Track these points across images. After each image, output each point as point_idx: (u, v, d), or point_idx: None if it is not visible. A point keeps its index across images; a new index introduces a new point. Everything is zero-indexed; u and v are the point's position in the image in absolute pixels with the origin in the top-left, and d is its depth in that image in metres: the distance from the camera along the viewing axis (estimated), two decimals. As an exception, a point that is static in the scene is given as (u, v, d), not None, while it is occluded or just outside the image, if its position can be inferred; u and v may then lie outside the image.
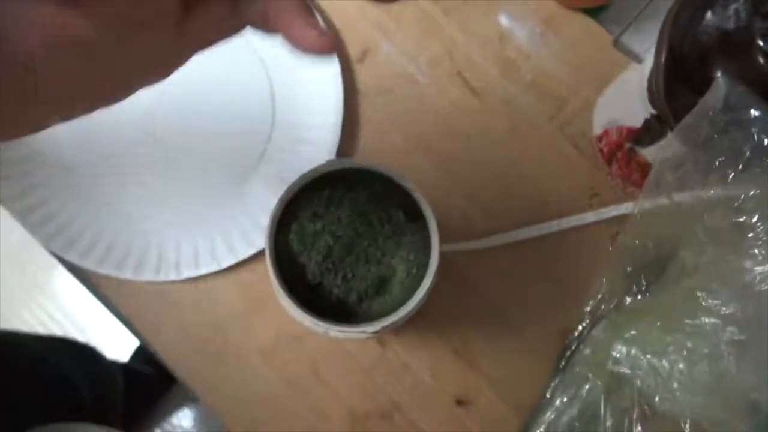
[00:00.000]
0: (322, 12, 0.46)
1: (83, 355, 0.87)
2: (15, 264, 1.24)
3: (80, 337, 1.25)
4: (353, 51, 0.47)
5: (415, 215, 0.35)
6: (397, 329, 0.42)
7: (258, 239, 0.44)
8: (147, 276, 0.44)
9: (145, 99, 0.46)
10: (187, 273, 0.44)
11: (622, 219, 0.43)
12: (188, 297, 0.45)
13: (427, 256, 0.33)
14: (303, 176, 0.33)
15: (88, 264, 0.44)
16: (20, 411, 0.61)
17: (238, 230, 0.44)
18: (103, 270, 0.44)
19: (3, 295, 1.24)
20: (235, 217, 0.45)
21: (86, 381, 0.76)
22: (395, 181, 0.34)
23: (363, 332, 0.33)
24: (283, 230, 0.34)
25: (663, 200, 0.35)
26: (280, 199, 0.33)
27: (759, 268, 0.31)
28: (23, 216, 0.44)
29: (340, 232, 0.34)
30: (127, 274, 0.44)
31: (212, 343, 0.45)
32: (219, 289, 0.45)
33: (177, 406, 1.19)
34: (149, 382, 1.11)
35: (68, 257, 0.44)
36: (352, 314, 0.35)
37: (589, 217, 0.43)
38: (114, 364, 0.98)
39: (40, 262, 1.24)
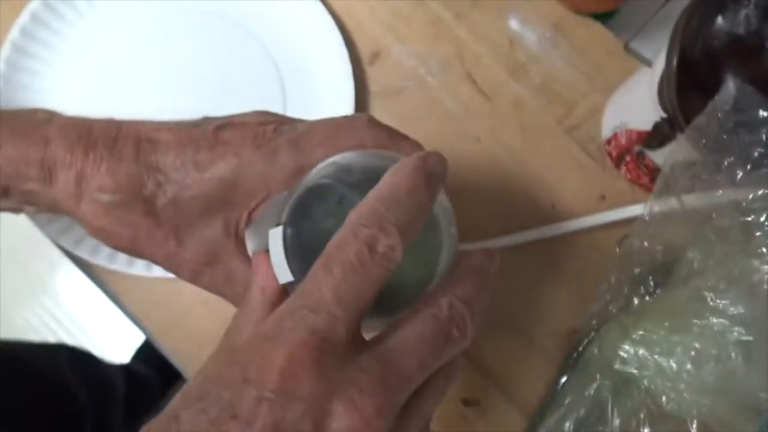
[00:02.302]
0: (333, 14, 0.47)
1: (80, 360, 0.87)
2: (17, 263, 1.25)
3: (82, 337, 1.25)
4: (364, 52, 0.47)
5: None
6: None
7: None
8: (157, 272, 0.44)
9: (157, 102, 0.47)
10: (198, 270, 0.44)
11: (630, 221, 0.43)
12: (198, 295, 0.45)
13: (438, 252, 0.34)
14: (314, 173, 0.33)
15: (98, 260, 0.44)
16: (19, 421, 0.61)
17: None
18: (114, 266, 0.44)
19: (5, 294, 1.24)
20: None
21: (83, 387, 0.76)
22: None
23: (372, 326, 0.33)
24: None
25: (672, 202, 0.36)
26: (288, 196, 0.33)
27: (767, 267, 0.31)
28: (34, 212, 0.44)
29: None
30: (137, 270, 0.44)
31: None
32: (228, 287, 0.45)
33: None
34: (150, 384, 1.10)
35: (79, 253, 0.44)
36: None
37: (598, 219, 0.44)
38: (113, 368, 0.97)
39: (42, 261, 1.24)
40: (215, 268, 0.32)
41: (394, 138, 0.32)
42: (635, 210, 0.42)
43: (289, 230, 0.30)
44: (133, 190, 0.30)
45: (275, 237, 0.30)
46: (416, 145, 0.32)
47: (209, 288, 0.32)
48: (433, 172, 0.26)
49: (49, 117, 0.32)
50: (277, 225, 0.31)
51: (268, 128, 0.31)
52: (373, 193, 0.25)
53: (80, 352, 0.89)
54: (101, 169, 0.30)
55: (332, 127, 0.31)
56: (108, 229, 0.31)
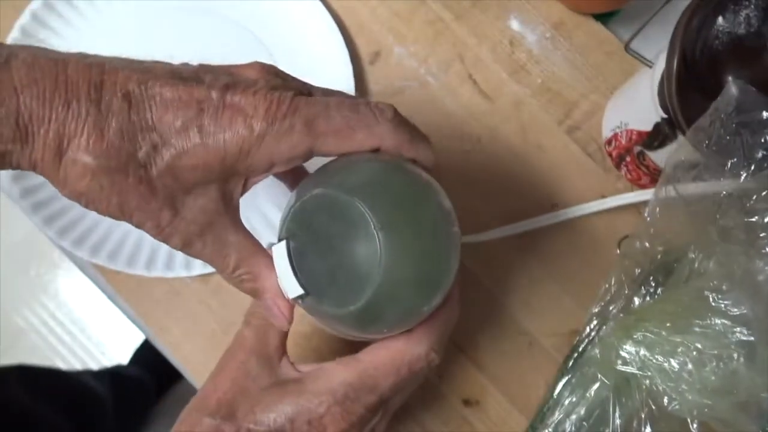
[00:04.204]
0: (333, 14, 0.47)
1: (38, 379, 0.82)
2: (17, 263, 1.24)
3: (82, 337, 1.25)
4: (365, 53, 0.47)
5: None
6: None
7: (268, 238, 0.44)
8: (157, 272, 0.44)
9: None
10: (198, 270, 0.44)
11: (631, 221, 0.44)
12: (198, 295, 0.45)
13: (442, 251, 0.33)
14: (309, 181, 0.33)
15: (99, 260, 0.44)
16: None
17: (249, 229, 0.44)
18: (114, 266, 0.44)
19: (5, 293, 1.24)
20: (246, 216, 0.45)
21: (46, 403, 0.73)
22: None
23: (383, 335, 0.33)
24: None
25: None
26: (286, 207, 0.33)
27: (770, 268, 0.31)
28: (34, 212, 0.44)
29: None
30: (137, 271, 0.44)
31: (221, 342, 0.45)
32: (228, 287, 0.45)
33: (173, 411, 1.19)
34: (146, 387, 1.09)
35: (79, 253, 0.44)
36: None
37: (598, 205, 0.43)
38: (91, 377, 0.94)
39: (43, 261, 1.24)
40: (207, 239, 0.30)
41: (414, 141, 0.30)
42: (638, 195, 0.42)
43: (292, 244, 0.30)
44: (126, 152, 0.26)
45: (279, 252, 0.30)
46: (430, 148, 0.32)
47: (198, 257, 0.30)
48: None
49: (8, 53, 0.26)
50: (279, 240, 0.30)
51: (283, 99, 0.28)
52: (441, 323, 0.32)
53: (37, 370, 0.84)
54: (87, 125, 0.26)
55: (353, 116, 0.29)
56: (93, 195, 0.27)
